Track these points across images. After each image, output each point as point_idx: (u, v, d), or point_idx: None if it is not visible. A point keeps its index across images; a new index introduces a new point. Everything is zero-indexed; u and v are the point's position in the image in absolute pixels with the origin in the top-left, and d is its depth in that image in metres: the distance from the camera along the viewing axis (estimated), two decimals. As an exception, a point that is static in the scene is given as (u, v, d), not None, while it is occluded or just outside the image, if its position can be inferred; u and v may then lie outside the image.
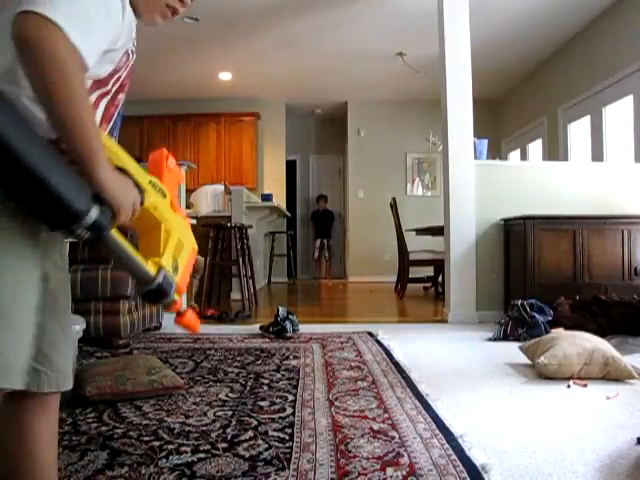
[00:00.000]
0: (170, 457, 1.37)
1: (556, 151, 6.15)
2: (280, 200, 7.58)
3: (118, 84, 0.95)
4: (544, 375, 2.19)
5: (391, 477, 1.25)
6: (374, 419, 1.67)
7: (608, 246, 3.62)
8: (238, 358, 2.58)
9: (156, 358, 2.27)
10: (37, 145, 0.74)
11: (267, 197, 6.23)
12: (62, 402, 0.97)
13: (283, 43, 6.00)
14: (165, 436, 1.53)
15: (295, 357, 2.59)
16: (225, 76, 7.08)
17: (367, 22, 5.41)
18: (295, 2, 4.99)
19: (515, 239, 3.81)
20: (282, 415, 1.71)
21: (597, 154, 5.31)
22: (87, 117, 0.76)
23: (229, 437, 1.52)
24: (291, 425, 1.61)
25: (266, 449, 1.43)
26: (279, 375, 2.24)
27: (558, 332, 2.60)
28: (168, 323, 3.58)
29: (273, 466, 1.32)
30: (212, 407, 1.81)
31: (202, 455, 1.39)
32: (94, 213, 0.77)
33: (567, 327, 2.86)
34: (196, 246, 1.06)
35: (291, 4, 5.02)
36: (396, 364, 2.41)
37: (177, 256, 0.97)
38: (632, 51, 4.66)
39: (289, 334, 3.15)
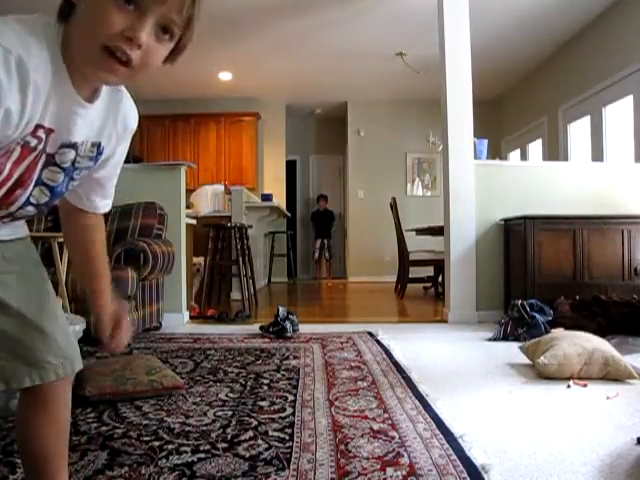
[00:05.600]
0: (170, 457, 1.37)
1: (556, 151, 6.14)
2: (280, 200, 7.57)
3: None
4: (544, 375, 2.19)
5: (391, 477, 1.25)
6: (374, 419, 1.66)
7: (608, 246, 3.62)
8: (238, 358, 2.58)
9: (156, 358, 2.27)
10: None
11: (267, 197, 6.23)
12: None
13: (283, 43, 6.00)
14: (165, 436, 1.53)
15: (295, 357, 2.59)
16: (225, 76, 7.07)
17: (367, 22, 5.41)
18: (295, 2, 4.99)
19: (515, 239, 3.81)
20: (282, 415, 1.71)
21: (597, 154, 5.31)
22: None
23: (229, 437, 1.52)
24: (291, 425, 1.61)
25: (266, 449, 1.43)
26: (279, 375, 2.24)
27: (558, 332, 2.60)
28: (168, 323, 3.58)
29: (273, 466, 1.32)
30: (212, 407, 1.81)
31: (202, 455, 1.39)
32: None
33: (567, 327, 2.86)
34: None
35: (291, 4, 5.02)
36: (396, 364, 2.41)
37: None
38: (632, 51, 4.66)
39: (289, 334, 3.15)
